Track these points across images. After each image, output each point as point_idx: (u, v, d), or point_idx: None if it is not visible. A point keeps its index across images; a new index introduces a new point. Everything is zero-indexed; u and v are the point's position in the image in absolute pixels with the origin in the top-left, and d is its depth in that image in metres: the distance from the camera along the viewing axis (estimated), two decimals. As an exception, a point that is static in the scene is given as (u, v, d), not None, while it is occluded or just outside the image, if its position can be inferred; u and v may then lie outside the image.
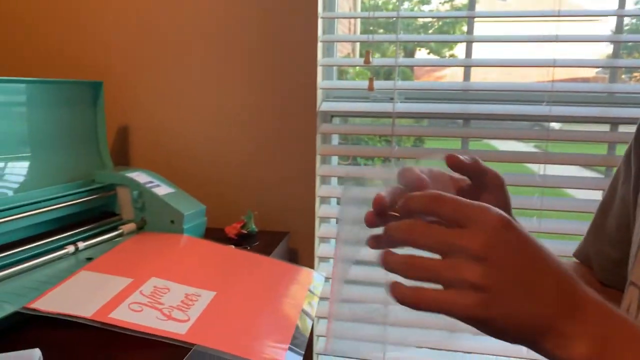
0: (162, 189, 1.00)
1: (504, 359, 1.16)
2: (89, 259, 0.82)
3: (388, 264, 0.39)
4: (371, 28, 1.14)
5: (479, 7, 1.14)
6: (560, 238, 1.14)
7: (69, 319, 0.63)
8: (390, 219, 0.43)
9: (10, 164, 0.93)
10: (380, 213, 0.44)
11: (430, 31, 4.61)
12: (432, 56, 4.86)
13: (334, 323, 0.52)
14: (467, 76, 1.20)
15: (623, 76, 1.20)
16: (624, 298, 0.55)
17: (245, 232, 1.06)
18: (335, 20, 1.21)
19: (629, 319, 0.38)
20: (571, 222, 1.12)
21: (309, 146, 1.16)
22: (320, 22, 1.13)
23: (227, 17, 1.15)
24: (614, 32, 1.11)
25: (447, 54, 4.74)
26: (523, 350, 1.06)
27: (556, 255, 0.39)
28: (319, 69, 1.15)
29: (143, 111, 1.22)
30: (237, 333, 0.68)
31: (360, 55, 1.14)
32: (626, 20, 1.11)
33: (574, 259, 0.72)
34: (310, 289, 0.88)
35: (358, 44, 1.62)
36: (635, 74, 1.66)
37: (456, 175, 0.50)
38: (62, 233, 0.89)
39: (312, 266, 1.19)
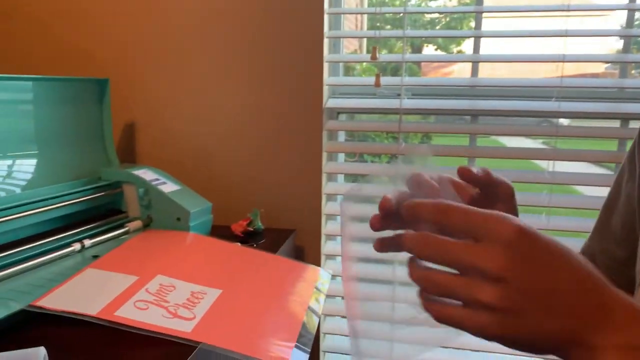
0: (168, 187, 1.00)
1: (511, 357, 1.15)
2: (95, 257, 0.82)
3: (410, 275, 0.38)
4: (378, 24, 1.13)
5: (487, 2, 1.13)
6: (569, 235, 1.13)
7: (74, 316, 0.63)
8: (397, 223, 0.43)
9: (16, 162, 0.93)
10: (385, 216, 0.43)
11: (437, 27, 4.58)
12: (439, 52, 4.83)
13: (360, 323, 0.51)
14: (474, 72, 1.19)
15: (633, 71, 1.18)
16: (633, 299, 0.54)
17: (252, 229, 1.06)
18: (342, 16, 1.20)
19: None
20: (580, 220, 1.11)
21: (315, 143, 1.16)
22: (326, 18, 1.12)
23: (232, 13, 1.14)
24: (624, 27, 1.10)
25: (455, 50, 4.71)
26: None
27: (579, 255, 0.37)
28: (325, 65, 1.14)
29: (149, 108, 1.22)
30: (243, 331, 0.67)
31: (367, 52, 1.14)
32: (637, 14, 1.09)
33: None
34: (316, 287, 0.88)
35: (365, 41, 1.61)
36: (646, 69, 1.64)
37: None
38: (69, 231, 0.90)
39: (318, 264, 1.19)
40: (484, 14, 1.13)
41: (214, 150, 1.21)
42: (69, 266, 0.79)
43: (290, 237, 1.10)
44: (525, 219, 0.36)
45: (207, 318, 0.68)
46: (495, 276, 0.34)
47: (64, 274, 0.75)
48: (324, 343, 1.26)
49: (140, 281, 0.74)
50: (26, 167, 0.95)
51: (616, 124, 1.12)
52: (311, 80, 1.13)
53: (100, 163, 1.10)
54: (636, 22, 1.10)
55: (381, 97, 1.18)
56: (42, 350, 0.54)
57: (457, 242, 0.36)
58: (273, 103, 1.16)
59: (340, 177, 1.28)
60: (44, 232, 0.89)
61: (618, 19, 1.14)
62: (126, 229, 0.95)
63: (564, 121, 1.13)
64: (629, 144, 1.08)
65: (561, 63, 1.05)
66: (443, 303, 0.37)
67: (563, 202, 1.09)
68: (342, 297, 1.26)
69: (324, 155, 1.18)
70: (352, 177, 1.28)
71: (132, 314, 0.65)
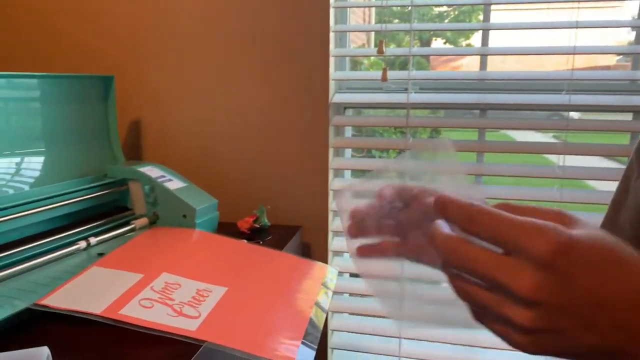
0: (174, 184, 0.99)
1: (521, 354, 1.14)
2: (101, 255, 0.82)
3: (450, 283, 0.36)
4: (386, 19, 1.11)
5: (495, -5, 1.11)
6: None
7: (79, 315, 0.62)
8: (391, 215, 0.41)
9: (21, 159, 0.93)
10: (359, 226, 0.43)
11: (446, 21, 4.55)
12: (448, 46, 4.80)
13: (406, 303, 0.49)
14: (483, 65, 1.17)
15: (646, 63, 1.15)
16: None
17: (258, 226, 1.05)
18: (348, 9, 1.19)
19: None
20: (592, 215, 1.08)
21: (322, 139, 1.15)
22: (332, 11, 1.11)
23: (238, 9, 1.13)
24: (636, 18, 1.07)
25: (464, 43, 4.67)
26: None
27: (634, 256, 0.32)
28: (331, 60, 1.13)
29: (155, 105, 1.22)
30: (249, 329, 0.67)
31: (375, 46, 1.12)
32: (649, 4, 1.07)
33: None
34: (323, 283, 0.87)
35: (373, 35, 1.59)
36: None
37: None
38: (74, 228, 0.89)
39: (325, 260, 1.18)
40: (493, 7, 1.11)
41: (219, 147, 1.20)
42: (74, 264, 0.79)
43: (296, 233, 1.09)
44: (578, 217, 0.33)
45: (212, 316, 0.67)
46: (526, 300, 0.31)
47: (69, 272, 0.74)
48: (332, 340, 1.25)
49: (146, 279, 0.73)
50: (31, 164, 0.95)
51: (628, 117, 1.10)
52: (317, 75, 1.12)
53: (106, 160, 1.10)
54: (648, 13, 1.08)
55: (388, 92, 1.16)
56: (45, 350, 0.53)
57: (486, 253, 0.33)
58: (279, 98, 1.15)
59: (347, 173, 1.27)
60: (50, 230, 0.89)
61: (630, 10, 1.12)
62: (132, 226, 0.94)
63: (574, 114, 1.11)
64: (641, 137, 1.06)
65: (571, 55, 1.03)
66: (482, 312, 0.35)
67: (574, 197, 1.08)
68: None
69: (331, 150, 1.17)
70: (359, 173, 1.27)
71: (136, 312, 0.64)
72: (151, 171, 1.00)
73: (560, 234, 0.31)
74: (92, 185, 0.97)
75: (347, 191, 0.52)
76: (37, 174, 0.95)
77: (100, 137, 1.10)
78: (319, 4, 1.09)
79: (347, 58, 1.24)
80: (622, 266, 0.31)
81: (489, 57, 1.16)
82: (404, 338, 1.18)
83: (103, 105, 1.11)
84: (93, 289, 0.70)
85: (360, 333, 1.22)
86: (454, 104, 1.15)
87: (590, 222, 0.34)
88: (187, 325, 0.64)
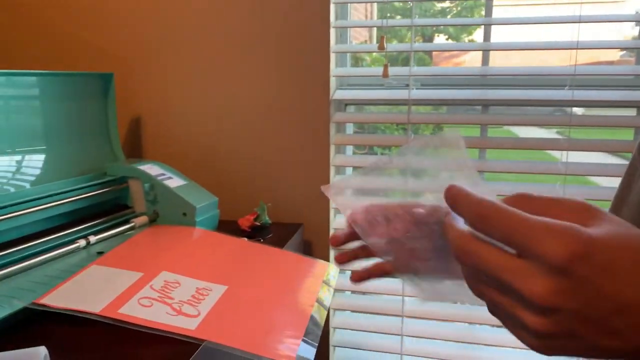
0: (174, 181, 0.99)
1: (524, 351, 1.13)
2: (100, 253, 0.82)
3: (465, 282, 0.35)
4: (389, 15, 1.10)
5: (497, -10, 1.10)
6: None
7: (77, 314, 0.62)
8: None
9: (21, 158, 0.92)
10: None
11: (449, 17, 4.53)
12: (450, 42, 4.77)
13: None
14: (485, 61, 1.16)
15: (650, 58, 1.14)
16: None
17: (259, 224, 1.05)
18: (349, 5, 1.18)
19: None
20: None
21: (323, 135, 1.14)
22: (332, 7, 1.10)
23: (237, 4, 1.12)
24: (641, 12, 1.06)
25: (466, 39, 4.65)
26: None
27: None
28: (332, 56, 1.12)
29: (155, 103, 1.21)
30: (248, 328, 0.66)
31: (377, 43, 1.11)
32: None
33: None
34: (325, 281, 0.86)
35: (375, 32, 1.58)
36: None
37: None
38: (74, 227, 0.89)
39: (327, 258, 1.17)
40: (495, 2, 1.10)
41: (219, 144, 1.19)
42: (73, 263, 0.78)
43: (297, 231, 1.09)
44: (602, 211, 0.31)
45: (211, 315, 0.66)
46: (538, 307, 0.29)
47: (68, 270, 0.74)
48: (334, 338, 1.25)
49: (145, 278, 0.73)
50: (31, 162, 0.94)
51: (632, 112, 1.08)
52: (318, 72, 1.11)
53: (105, 158, 1.09)
54: (653, 7, 1.06)
55: (389, 88, 1.16)
56: (42, 350, 0.53)
57: (497, 254, 0.31)
58: (279, 95, 1.14)
59: (349, 170, 1.26)
60: (50, 228, 0.88)
61: (634, 5, 1.11)
62: (132, 224, 0.94)
63: (577, 110, 1.10)
64: (645, 133, 1.05)
65: (574, 50, 1.02)
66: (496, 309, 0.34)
67: (577, 194, 1.06)
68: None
69: (332, 147, 1.16)
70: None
71: (135, 311, 0.64)
72: (151, 169, 1.00)
73: (577, 236, 0.29)
74: (92, 183, 0.97)
75: (347, 188, 0.51)
76: (36, 172, 0.94)
77: (100, 135, 1.10)
78: (319, -1, 1.09)
79: (349, 55, 1.23)
80: None
81: (494, 53, 1.15)
82: (406, 335, 1.17)
83: (103, 103, 1.10)
84: (92, 288, 0.69)
85: (362, 330, 1.22)
86: (455, 100, 1.14)
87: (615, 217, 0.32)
88: (186, 324, 0.63)
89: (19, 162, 0.92)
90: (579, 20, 1.01)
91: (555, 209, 0.32)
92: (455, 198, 0.34)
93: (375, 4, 1.45)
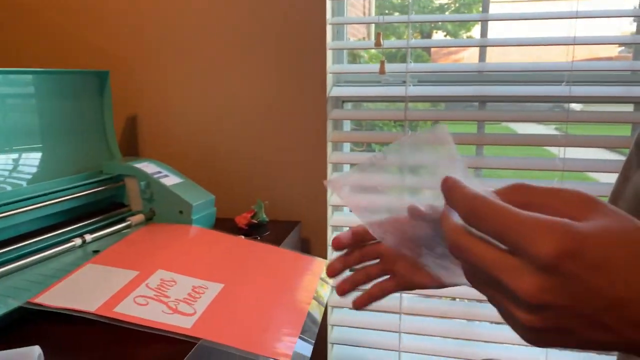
0: (171, 179, 0.98)
1: (522, 347, 1.13)
2: (96, 252, 0.81)
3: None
4: (387, 12, 1.10)
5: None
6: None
7: (73, 313, 0.62)
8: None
9: (17, 156, 0.92)
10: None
11: (446, 13, 4.52)
12: (446, 38, 4.77)
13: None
14: (482, 57, 1.15)
15: (647, 54, 1.14)
16: None
17: (256, 222, 1.04)
18: (345, 2, 1.17)
19: None
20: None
21: (320, 133, 1.14)
22: (329, 4, 1.10)
23: (233, 2, 1.12)
24: (638, 8, 1.06)
25: (464, 36, 4.65)
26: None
27: None
28: (329, 53, 1.12)
29: (151, 101, 1.21)
30: (245, 326, 0.66)
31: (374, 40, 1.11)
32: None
33: None
34: (322, 278, 0.86)
35: (373, 28, 1.58)
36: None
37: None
38: (70, 225, 0.89)
39: (324, 256, 1.17)
40: (492, -2, 1.10)
41: (216, 142, 1.19)
42: (69, 262, 0.78)
43: (295, 229, 1.08)
44: (601, 202, 0.31)
45: (207, 313, 0.66)
46: (528, 304, 0.29)
47: (63, 269, 0.74)
48: (332, 335, 1.25)
49: (141, 276, 0.73)
50: (27, 161, 0.94)
51: (629, 108, 1.08)
52: (314, 68, 1.11)
53: (102, 156, 1.09)
54: (650, 3, 1.06)
55: (386, 85, 1.15)
56: (36, 349, 0.53)
57: (488, 249, 0.31)
58: (275, 92, 1.14)
59: (346, 168, 1.26)
60: (45, 227, 0.88)
61: (631, 0, 1.10)
62: (128, 222, 0.93)
63: (575, 106, 1.10)
64: (643, 129, 1.05)
65: (572, 46, 1.02)
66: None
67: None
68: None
69: (329, 145, 1.16)
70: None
71: (131, 310, 0.64)
72: (147, 167, 0.99)
73: (567, 233, 0.28)
74: (88, 181, 0.97)
75: (346, 185, 0.51)
76: (32, 170, 0.94)
77: (96, 133, 1.09)
78: (315, -4, 1.08)
79: (346, 51, 1.23)
80: (637, 262, 0.28)
81: (491, 49, 1.15)
82: (404, 332, 1.17)
83: (99, 101, 1.10)
84: (87, 287, 0.69)
85: (360, 328, 1.22)
86: (452, 97, 1.14)
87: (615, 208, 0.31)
88: (182, 322, 0.63)
89: (14, 160, 0.91)
90: (576, 15, 1.00)
91: (552, 200, 0.32)
92: (450, 190, 0.34)
93: (373, 1, 1.45)
